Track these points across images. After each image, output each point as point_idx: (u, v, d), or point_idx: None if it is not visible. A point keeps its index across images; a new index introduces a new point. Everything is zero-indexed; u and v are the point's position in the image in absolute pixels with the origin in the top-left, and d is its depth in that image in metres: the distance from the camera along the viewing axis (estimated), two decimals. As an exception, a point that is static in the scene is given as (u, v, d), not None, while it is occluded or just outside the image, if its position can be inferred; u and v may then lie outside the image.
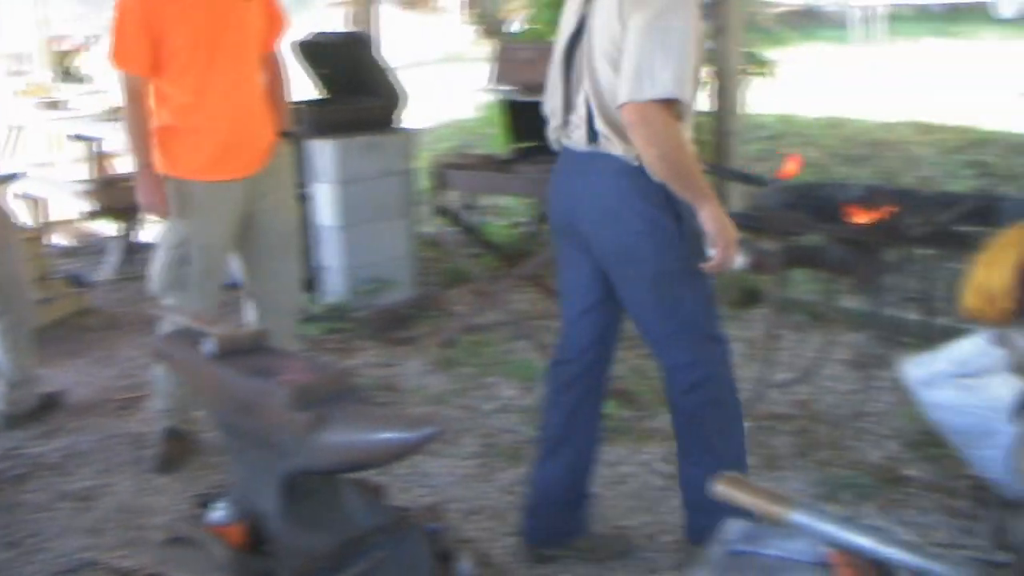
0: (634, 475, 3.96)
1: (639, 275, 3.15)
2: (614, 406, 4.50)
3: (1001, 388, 3.35)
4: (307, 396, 2.37)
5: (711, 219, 2.98)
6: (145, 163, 3.98)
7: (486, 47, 12.11)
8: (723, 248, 3.00)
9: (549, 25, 6.50)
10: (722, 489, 1.40)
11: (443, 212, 5.45)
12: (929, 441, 4.04)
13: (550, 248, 5.29)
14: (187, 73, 3.93)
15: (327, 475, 2.51)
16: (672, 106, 2.91)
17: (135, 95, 3.96)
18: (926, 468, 3.94)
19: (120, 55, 3.95)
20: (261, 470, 2.49)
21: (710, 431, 3.29)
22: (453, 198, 6.47)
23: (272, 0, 4.26)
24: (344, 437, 2.35)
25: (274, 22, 4.26)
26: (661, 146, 2.92)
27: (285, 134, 4.31)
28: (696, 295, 3.19)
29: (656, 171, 2.97)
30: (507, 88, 5.25)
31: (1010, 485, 1.36)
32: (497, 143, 6.61)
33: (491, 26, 18.52)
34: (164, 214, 4.03)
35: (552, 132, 3.33)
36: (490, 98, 6.73)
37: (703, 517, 3.21)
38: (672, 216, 3.07)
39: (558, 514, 3.45)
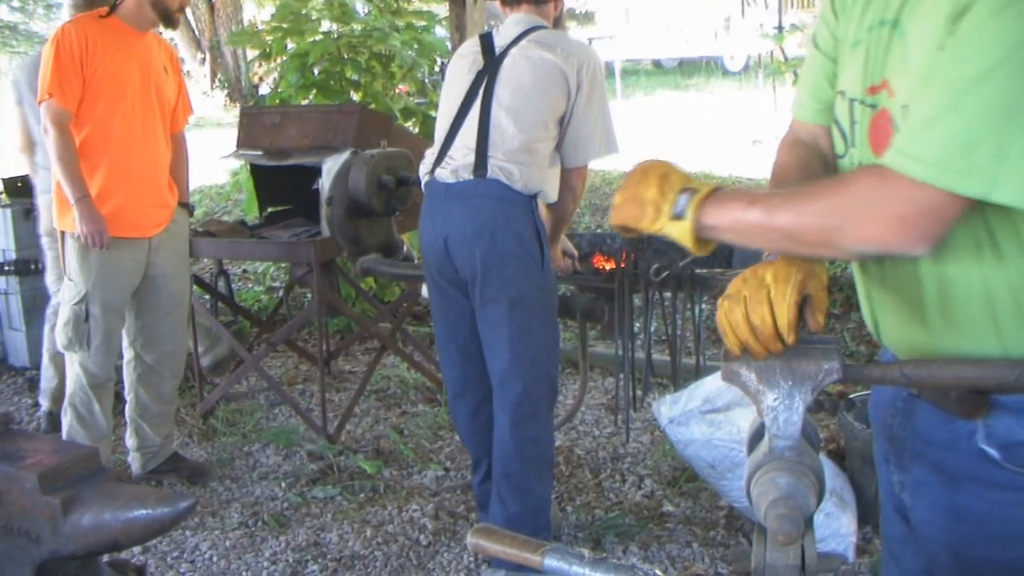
0: (401, 534, 3.94)
1: (501, 295, 3.39)
2: (376, 466, 4.49)
3: (743, 420, 3.53)
4: (55, 479, 2.27)
5: (567, 240, 3.84)
6: (84, 193, 3.96)
7: (235, 112, 11.94)
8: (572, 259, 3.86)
9: (295, 89, 6.49)
10: (473, 541, 1.41)
11: (196, 281, 5.31)
12: (684, 477, 4.20)
13: (304, 312, 5.25)
14: (103, 124, 4.04)
15: (83, 559, 2.40)
16: None
17: (65, 129, 3.97)
18: (683, 503, 4.08)
19: (55, 86, 3.97)
20: (12, 561, 2.36)
21: (527, 471, 3.51)
22: (206, 266, 6.34)
23: (185, 86, 4.55)
24: (96, 518, 2.26)
25: (186, 106, 4.51)
26: (579, 198, 3.62)
27: (183, 205, 4.47)
28: (544, 330, 3.50)
29: (565, 215, 3.62)
30: (252, 153, 5.19)
31: (750, 511, 1.44)
32: (248, 208, 6.51)
33: (238, 91, 18.32)
34: (105, 243, 3.99)
35: (424, 173, 3.58)
36: (239, 163, 6.63)
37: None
38: (538, 245, 3.40)
39: None
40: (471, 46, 3.64)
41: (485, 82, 3.46)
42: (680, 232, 1.56)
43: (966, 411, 1.55)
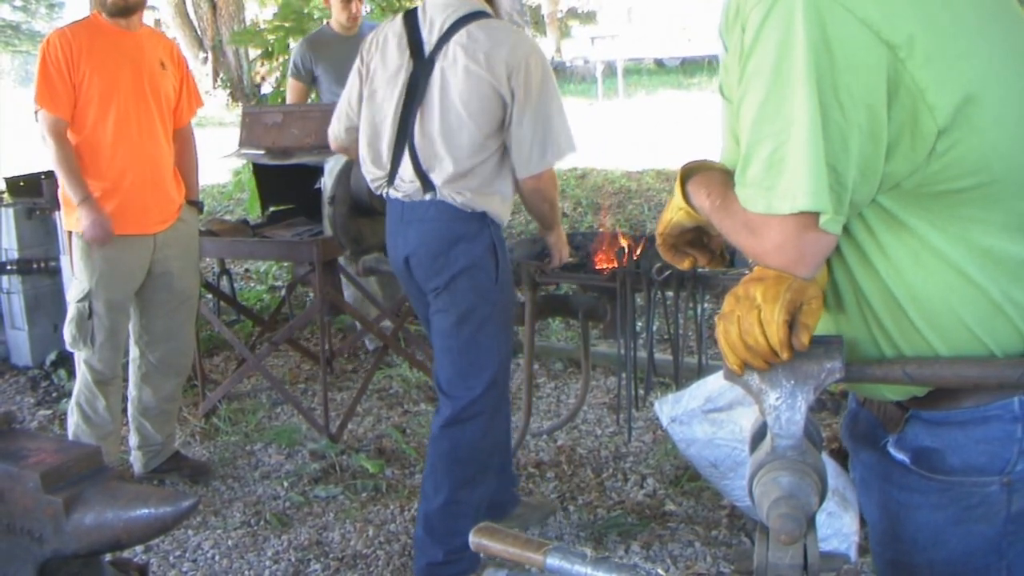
0: (403, 533, 3.94)
1: (451, 308, 3.35)
2: (378, 466, 4.49)
3: (746, 419, 3.53)
4: (57, 478, 2.27)
5: (560, 237, 3.69)
6: (86, 195, 4.02)
7: (238, 111, 11.95)
8: (560, 256, 3.72)
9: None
10: (476, 540, 1.41)
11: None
12: (686, 476, 4.20)
13: (306, 311, 5.25)
14: (96, 126, 4.07)
15: (85, 558, 2.40)
16: None
17: (62, 136, 4.04)
18: (685, 502, 4.08)
19: (45, 98, 4.04)
20: (14, 560, 2.36)
21: (457, 478, 3.46)
22: (208, 265, 6.34)
23: (192, 79, 4.55)
24: (99, 517, 2.26)
25: (191, 100, 4.50)
26: (552, 198, 3.45)
27: (192, 203, 4.47)
28: (494, 342, 3.43)
29: (543, 216, 3.51)
30: (254, 152, 5.19)
31: (753, 511, 1.45)
32: (250, 207, 6.53)
33: (240, 90, 18.32)
34: (109, 240, 4.04)
35: (375, 184, 3.49)
36: (241, 163, 6.65)
37: (422, 556, 3.46)
38: (493, 263, 3.34)
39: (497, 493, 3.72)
40: (397, 31, 3.39)
41: (416, 99, 3.29)
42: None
43: (889, 423, 1.64)
